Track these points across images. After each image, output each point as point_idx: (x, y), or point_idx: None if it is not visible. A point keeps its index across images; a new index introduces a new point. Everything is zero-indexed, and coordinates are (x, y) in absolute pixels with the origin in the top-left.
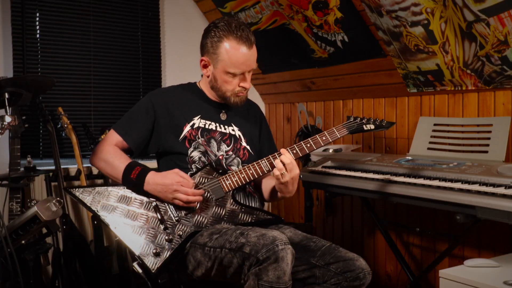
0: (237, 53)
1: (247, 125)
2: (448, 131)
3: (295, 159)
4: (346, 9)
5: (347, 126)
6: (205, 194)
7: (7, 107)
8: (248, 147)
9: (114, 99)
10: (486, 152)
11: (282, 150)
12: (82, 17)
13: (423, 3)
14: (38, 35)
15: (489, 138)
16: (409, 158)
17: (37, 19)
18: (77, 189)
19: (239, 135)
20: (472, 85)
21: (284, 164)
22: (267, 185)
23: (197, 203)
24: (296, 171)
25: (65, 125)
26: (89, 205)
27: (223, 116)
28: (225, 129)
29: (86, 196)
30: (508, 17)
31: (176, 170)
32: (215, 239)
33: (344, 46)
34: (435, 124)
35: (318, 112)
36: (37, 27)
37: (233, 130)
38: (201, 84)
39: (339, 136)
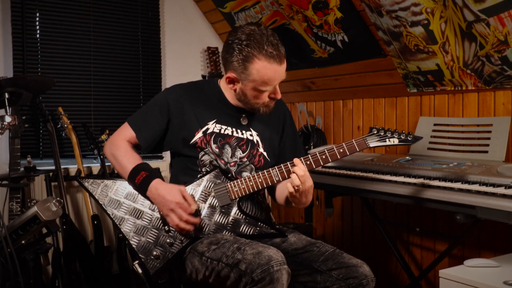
0: (268, 73)
1: (268, 129)
2: (448, 131)
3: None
4: (346, 9)
5: (368, 139)
6: (211, 200)
7: (7, 107)
8: (265, 153)
9: (114, 99)
10: (486, 152)
11: (296, 161)
12: (82, 17)
13: (423, 3)
14: (38, 35)
15: (489, 138)
16: (409, 158)
17: (37, 19)
18: (87, 179)
19: (257, 141)
20: (472, 85)
21: (297, 176)
22: (282, 191)
23: (190, 232)
24: (309, 183)
25: (65, 125)
26: (97, 197)
27: (243, 121)
28: (242, 134)
29: (95, 188)
30: (508, 17)
31: (183, 188)
32: (212, 250)
33: (344, 46)
34: (435, 124)
35: (318, 112)
36: (37, 27)
37: (251, 135)
38: (221, 83)
39: (358, 150)
